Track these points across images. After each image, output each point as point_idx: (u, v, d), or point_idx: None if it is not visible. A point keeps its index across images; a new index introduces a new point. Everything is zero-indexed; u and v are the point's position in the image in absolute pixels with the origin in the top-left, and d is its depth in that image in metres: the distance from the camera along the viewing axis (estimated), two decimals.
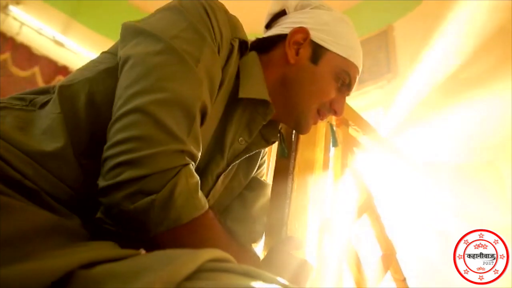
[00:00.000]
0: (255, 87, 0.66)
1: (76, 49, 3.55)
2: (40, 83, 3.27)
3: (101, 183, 0.48)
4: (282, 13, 0.77)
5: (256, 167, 0.81)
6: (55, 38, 3.46)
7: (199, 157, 0.54)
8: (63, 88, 0.56)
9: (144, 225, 0.47)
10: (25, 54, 3.28)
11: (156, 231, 0.47)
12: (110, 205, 0.47)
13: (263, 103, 0.67)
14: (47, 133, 0.52)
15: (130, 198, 0.46)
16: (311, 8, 0.75)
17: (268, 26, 0.80)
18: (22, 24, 3.30)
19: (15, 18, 3.27)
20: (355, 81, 0.74)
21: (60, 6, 3.45)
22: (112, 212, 0.48)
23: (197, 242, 0.50)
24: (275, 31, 0.75)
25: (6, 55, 3.17)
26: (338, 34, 0.72)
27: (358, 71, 0.74)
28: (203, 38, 0.57)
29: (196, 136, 0.53)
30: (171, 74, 0.52)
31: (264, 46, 0.74)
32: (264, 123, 0.70)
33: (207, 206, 0.52)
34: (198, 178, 0.52)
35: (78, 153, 0.53)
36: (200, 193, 0.51)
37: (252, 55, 0.70)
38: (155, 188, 0.46)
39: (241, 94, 0.65)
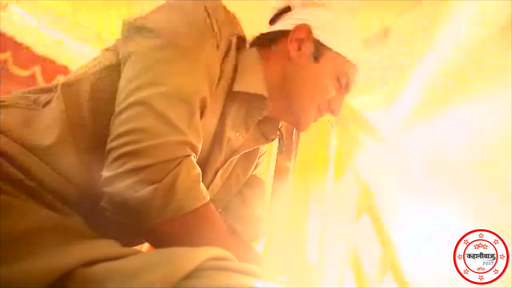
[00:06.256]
0: (252, 81, 0.67)
1: (77, 48, 3.54)
2: (41, 83, 3.25)
3: (105, 173, 0.49)
4: (286, 9, 0.78)
5: (254, 165, 0.81)
6: (55, 37, 3.45)
7: (200, 150, 0.55)
8: (66, 85, 0.57)
9: (146, 214, 0.48)
10: (26, 53, 3.28)
11: (158, 220, 0.48)
12: (114, 194, 0.48)
13: (259, 97, 0.68)
14: (48, 128, 0.53)
15: (133, 187, 0.47)
16: (315, 6, 0.75)
17: (273, 21, 0.80)
18: (23, 23, 3.29)
19: (15, 17, 3.26)
20: (353, 81, 0.74)
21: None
22: (115, 201, 0.49)
23: (198, 232, 0.51)
24: (278, 26, 0.75)
25: (6, 55, 3.16)
26: (341, 33, 0.72)
27: (357, 71, 0.74)
28: (202, 34, 0.58)
29: (196, 128, 0.54)
30: (172, 68, 0.54)
31: (267, 41, 0.74)
32: (260, 118, 0.70)
33: (208, 197, 0.53)
34: (200, 169, 0.53)
35: (82, 149, 0.53)
36: (201, 184, 0.52)
37: (252, 51, 0.70)
38: (157, 178, 0.47)
39: (236, 88, 0.65)
